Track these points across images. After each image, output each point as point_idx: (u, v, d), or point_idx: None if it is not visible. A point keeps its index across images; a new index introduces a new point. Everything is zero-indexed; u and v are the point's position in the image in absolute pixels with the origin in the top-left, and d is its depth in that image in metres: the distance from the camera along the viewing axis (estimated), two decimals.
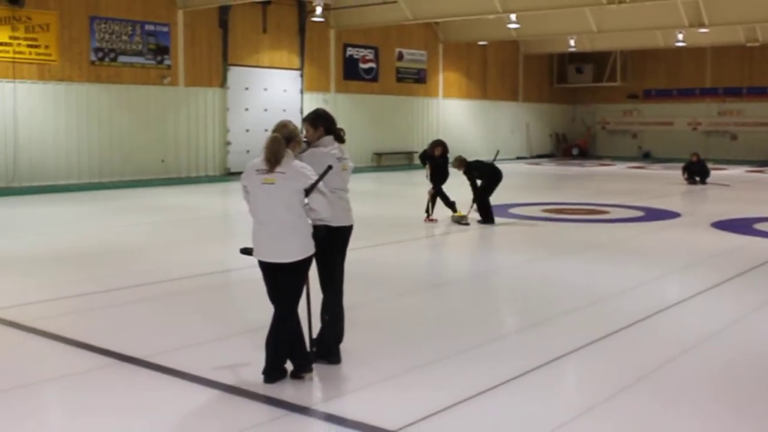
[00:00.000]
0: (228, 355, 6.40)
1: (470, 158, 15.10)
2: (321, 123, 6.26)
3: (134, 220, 15.41)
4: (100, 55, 23.33)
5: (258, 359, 5.77)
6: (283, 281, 5.68)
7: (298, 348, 5.74)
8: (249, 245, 5.78)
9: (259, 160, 5.71)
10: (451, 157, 14.90)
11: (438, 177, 14.66)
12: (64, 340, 6.81)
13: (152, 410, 5.23)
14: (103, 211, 17.04)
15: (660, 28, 30.26)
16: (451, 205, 14.75)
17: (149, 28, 24.55)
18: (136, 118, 24.11)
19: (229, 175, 26.01)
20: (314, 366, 5.84)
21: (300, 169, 5.62)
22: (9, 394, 5.58)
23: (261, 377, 5.65)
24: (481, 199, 14.39)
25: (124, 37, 23.92)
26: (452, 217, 14.52)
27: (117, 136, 23.62)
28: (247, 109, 27.26)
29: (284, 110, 27.91)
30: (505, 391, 5.67)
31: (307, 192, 5.57)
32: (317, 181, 5.58)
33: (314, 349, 6.02)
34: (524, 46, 38.39)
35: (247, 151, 26.27)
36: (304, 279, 5.75)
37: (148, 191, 21.61)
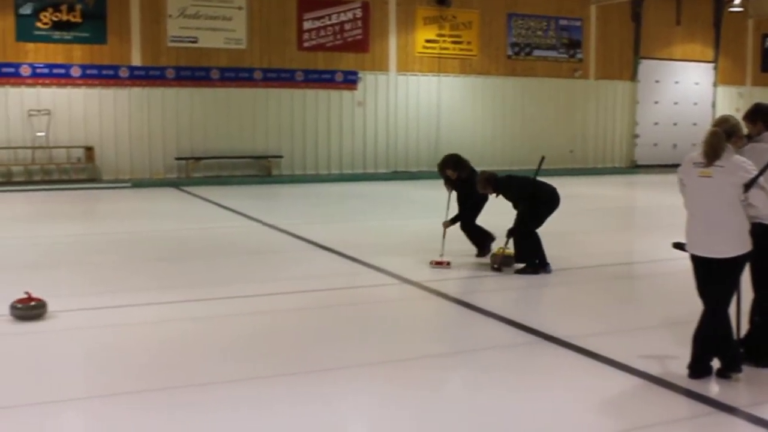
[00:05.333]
0: (650, 344, 6.43)
1: None
2: (759, 118, 6.04)
3: None
4: (516, 49, 24.31)
5: (683, 353, 5.74)
6: (714, 277, 5.59)
7: (727, 347, 5.62)
8: (671, 239, 5.74)
9: (696, 153, 5.68)
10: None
11: (465, 208, 9.88)
12: (490, 314, 7.28)
13: (571, 391, 5.42)
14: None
15: None
16: (481, 240, 9.92)
17: (563, 23, 25.02)
18: (547, 109, 24.79)
19: (636, 167, 25.65)
20: (742, 367, 5.68)
21: (740, 163, 5.49)
22: (437, 359, 6.16)
23: (686, 371, 5.62)
24: (519, 228, 9.06)
25: (539, 32, 24.63)
26: (492, 257, 9.41)
27: (528, 126, 24.50)
28: (656, 102, 26.68)
29: (695, 104, 26.94)
30: None
31: (747, 187, 5.43)
32: (757, 176, 5.41)
33: (741, 350, 5.85)
34: None
35: (655, 145, 25.75)
36: (736, 277, 5.61)
37: (556, 180, 21.91)
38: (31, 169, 19.79)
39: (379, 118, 22.96)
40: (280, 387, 5.33)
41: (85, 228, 13.37)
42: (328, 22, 22.21)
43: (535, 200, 9.02)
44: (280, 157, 22.04)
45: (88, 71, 20.10)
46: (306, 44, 22.07)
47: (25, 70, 19.58)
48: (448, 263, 9.26)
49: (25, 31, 19.55)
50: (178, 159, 21.01)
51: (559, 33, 24.98)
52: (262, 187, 20.27)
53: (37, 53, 19.71)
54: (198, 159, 21.11)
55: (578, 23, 25.26)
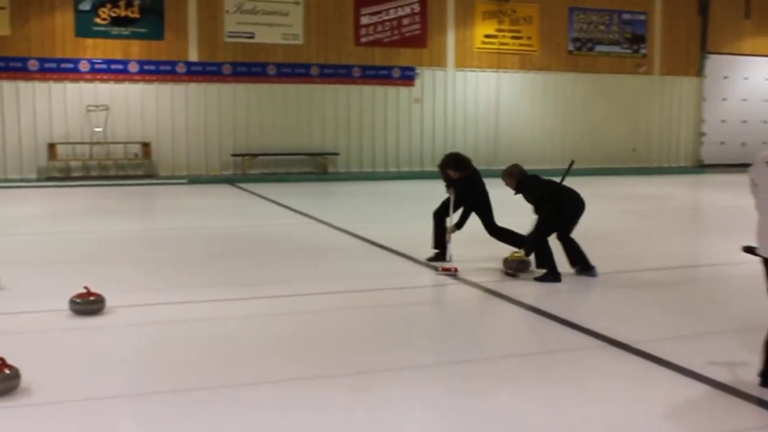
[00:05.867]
0: (718, 351, 6.08)
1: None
2: None
3: (604, 207, 15.47)
4: (578, 45, 23.87)
5: (753, 360, 5.41)
6: None
7: None
8: (740, 242, 5.42)
9: None
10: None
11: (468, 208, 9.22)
12: (552, 317, 6.99)
13: (636, 397, 5.15)
14: None
15: None
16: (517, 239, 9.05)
17: (626, 17, 24.50)
18: (609, 106, 24.29)
19: (702, 167, 24.98)
20: None
21: None
22: (494, 362, 5.90)
23: (756, 379, 5.29)
24: (535, 237, 8.37)
25: (602, 27, 24.15)
26: (505, 262, 8.68)
27: (589, 124, 24.04)
28: (724, 99, 25.97)
29: (766, 100, 26.18)
30: None
31: None
32: None
33: None
34: None
35: (722, 143, 25.08)
36: None
37: (617, 179, 21.58)
38: (89, 164, 20.00)
39: (437, 115, 22.70)
40: (331, 388, 5.17)
41: (141, 224, 13.42)
42: (386, 17, 22.02)
43: (559, 205, 8.35)
44: (337, 154, 21.94)
45: (146, 67, 20.25)
46: (363, 40, 21.92)
47: (83, 66, 19.81)
48: (456, 270, 8.71)
49: (84, 27, 19.77)
50: (234, 155, 21.05)
51: (623, 27, 24.41)
52: (318, 184, 20.19)
53: (96, 49, 19.91)
54: (254, 156, 21.11)
55: (642, 17, 24.66)
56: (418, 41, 22.34)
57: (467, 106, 22.87)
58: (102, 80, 19.97)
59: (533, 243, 8.39)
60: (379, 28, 22.01)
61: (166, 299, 7.44)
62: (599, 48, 24.11)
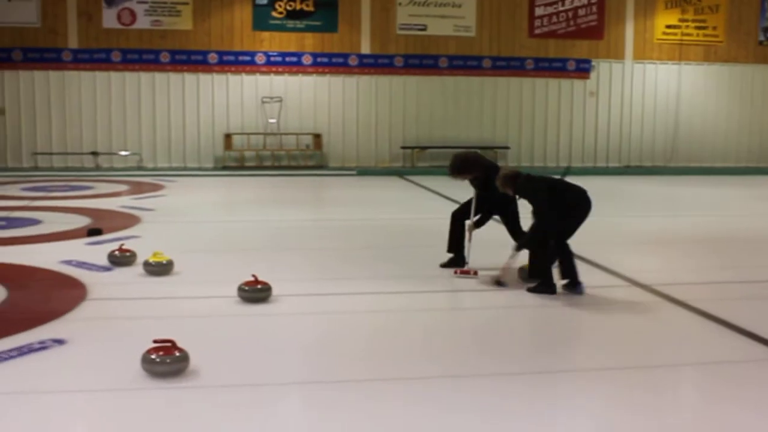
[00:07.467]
0: None
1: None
2: None
3: None
4: None
5: None
6: None
7: None
8: None
9: None
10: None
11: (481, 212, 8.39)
12: (725, 324, 6.42)
13: None
14: (758, 197, 16.29)
15: None
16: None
17: None
18: None
19: None
20: None
21: None
22: (653, 371, 5.42)
23: None
24: (531, 240, 7.44)
25: None
26: (519, 271, 7.78)
27: None
28: None
29: None
30: None
31: None
32: None
33: None
34: None
35: None
36: None
37: None
38: (263, 154, 20.52)
39: (613, 109, 21.84)
40: (491, 387, 4.87)
41: (311, 214, 13.55)
42: (561, 8, 21.37)
43: (563, 202, 7.32)
44: (508, 147, 21.52)
45: (319, 59, 20.56)
46: (537, 31, 21.37)
47: (259, 59, 20.33)
48: (475, 272, 8.02)
49: (261, 21, 20.29)
50: (403, 148, 21.03)
51: None
52: None
53: (272, 42, 20.39)
54: (423, 148, 21.01)
55: None
56: (594, 32, 21.56)
57: (645, 100, 21.87)
58: (277, 72, 20.44)
59: (528, 241, 7.47)
60: (554, 20, 21.39)
61: (329, 290, 7.40)
62: None
